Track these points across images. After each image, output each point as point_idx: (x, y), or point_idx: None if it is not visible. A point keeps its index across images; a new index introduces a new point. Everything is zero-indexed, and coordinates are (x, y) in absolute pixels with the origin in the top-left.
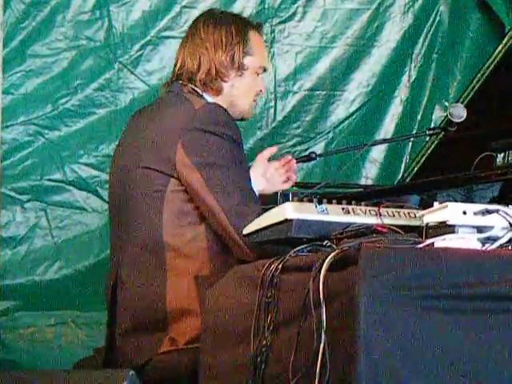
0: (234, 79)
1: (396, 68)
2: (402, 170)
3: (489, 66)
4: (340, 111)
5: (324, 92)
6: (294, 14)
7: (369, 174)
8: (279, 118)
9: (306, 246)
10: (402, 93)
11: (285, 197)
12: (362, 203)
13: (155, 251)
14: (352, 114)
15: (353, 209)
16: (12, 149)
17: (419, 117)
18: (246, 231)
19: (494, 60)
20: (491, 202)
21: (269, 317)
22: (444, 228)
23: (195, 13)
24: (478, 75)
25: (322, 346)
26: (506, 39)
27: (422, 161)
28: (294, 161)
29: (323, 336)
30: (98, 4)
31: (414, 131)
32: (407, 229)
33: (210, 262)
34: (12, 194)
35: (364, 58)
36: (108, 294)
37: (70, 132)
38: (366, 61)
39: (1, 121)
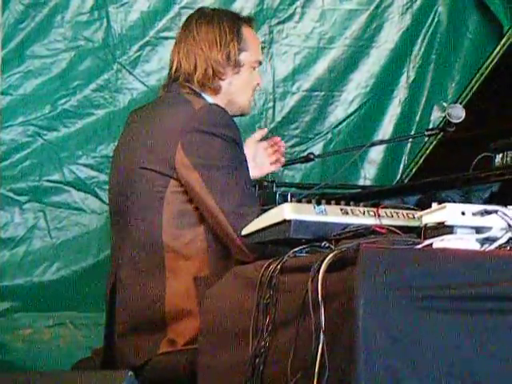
0: (231, 77)
1: (394, 69)
2: (400, 171)
3: (487, 67)
4: (338, 112)
5: (322, 93)
6: (293, 14)
7: (367, 174)
8: (278, 118)
9: (304, 246)
10: (400, 93)
11: (283, 197)
12: (361, 204)
13: (154, 252)
14: (350, 114)
15: (351, 209)
16: (10, 150)
17: (418, 117)
18: (244, 232)
19: (492, 61)
20: (489, 202)
21: (267, 317)
22: (442, 229)
23: None
24: (477, 76)
25: (320, 346)
26: (504, 40)
27: (421, 161)
28: (283, 143)
29: (322, 337)
30: (96, 5)
31: (413, 132)
32: (406, 229)
33: (208, 262)
34: (10, 194)
35: (362, 58)
36: (107, 294)
37: (68, 133)
38: (365, 61)
39: None
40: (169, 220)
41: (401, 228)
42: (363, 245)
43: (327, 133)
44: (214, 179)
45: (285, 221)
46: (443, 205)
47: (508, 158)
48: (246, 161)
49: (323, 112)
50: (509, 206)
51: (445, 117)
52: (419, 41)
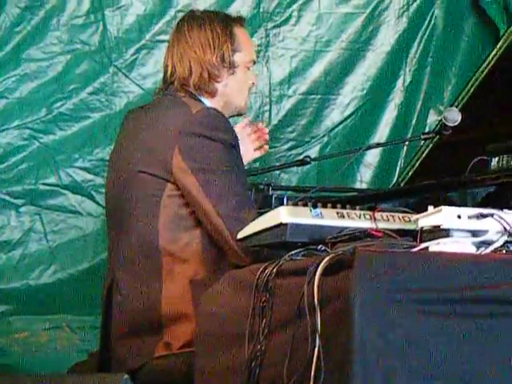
0: (226, 78)
1: (391, 72)
2: (396, 174)
3: (483, 70)
4: (335, 115)
5: (319, 96)
6: (289, 17)
7: (363, 177)
8: (274, 121)
9: (300, 250)
10: (396, 97)
11: (279, 201)
12: (357, 207)
13: (150, 255)
14: (347, 117)
15: (347, 213)
16: (7, 153)
17: (414, 121)
18: (240, 235)
19: (488, 64)
20: (485, 205)
21: (263, 321)
22: (438, 232)
23: None
24: (473, 79)
25: (316, 350)
26: (500, 43)
27: (417, 165)
28: (266, 129)
29: (318, 340)
30: (92, 8)
31: (409, 135)
32: (402, 233)
33: (205, 266)
34: (7, 198)
35: (359, 61)
36: (103, 297)
37: (64, 136)
38: (361, 65)
39: None
40: (165, 223)
41: (397, 231)
42: (359, 248)
43: (323, 136)
44: (210, 183)
45: (281, 224)
46: (439, 208)
47: (504, 162)
48: (243, 164)
49: (319, 115)
50: (505, 210)
51: (441, 120)
52: (415, 44)
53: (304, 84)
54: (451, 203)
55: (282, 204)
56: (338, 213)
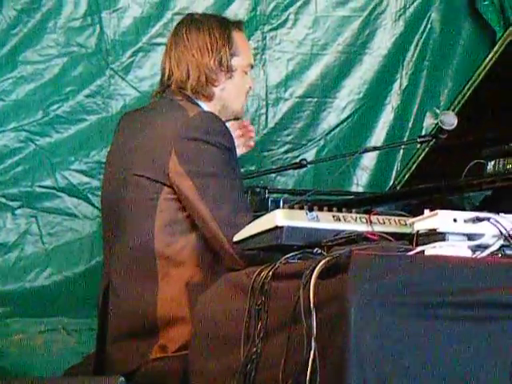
0: (224, 82)
1: (387, 75)
2: (392, 178)
3: (480, 74)
4: (331, 118)
5: (315, 99)
6: (286, 20)
7: (360, 181)
8: (270, 124)
9: (296, 253)
10: (393, 100)
11: (275, 204)
12: (353, 210)
13: (146, 258)
14: (343, 121)
15: (343, 216)
16: (3, 155)
17: (410, 124)
18: (236, 238)
19: (485, 68)
20: (481, 209)
21: (259, 324)
22: (434, 235)
23: None
24: (469, 83)
25: (312, 353)
26: (496, 47)
27: (413, 168)
28: (252, 127)
29: (313, 343)
30: (89, 10)
31: (405, 138)
32: (398, 236)
33: (200, 269)
34: (3, 200)
35: (355, 65)
36: (99, 299)
37: (61, 138)
38: (358, 68)
39: None
40: (161, 227)
41: (393, 235)
42: (355, 251)
43: (320, 139)
44: (207, 187)
45: (277, 227)
46: (435, 212)
47: (500, 165)
48: (239, 168)
49: (316, 118)
50: (501, 213)
51: (437, 124)
52: (412, 47)
53: (300, 87)
54: (447, 207)
55: (278, 207)
56: (334, 216)
